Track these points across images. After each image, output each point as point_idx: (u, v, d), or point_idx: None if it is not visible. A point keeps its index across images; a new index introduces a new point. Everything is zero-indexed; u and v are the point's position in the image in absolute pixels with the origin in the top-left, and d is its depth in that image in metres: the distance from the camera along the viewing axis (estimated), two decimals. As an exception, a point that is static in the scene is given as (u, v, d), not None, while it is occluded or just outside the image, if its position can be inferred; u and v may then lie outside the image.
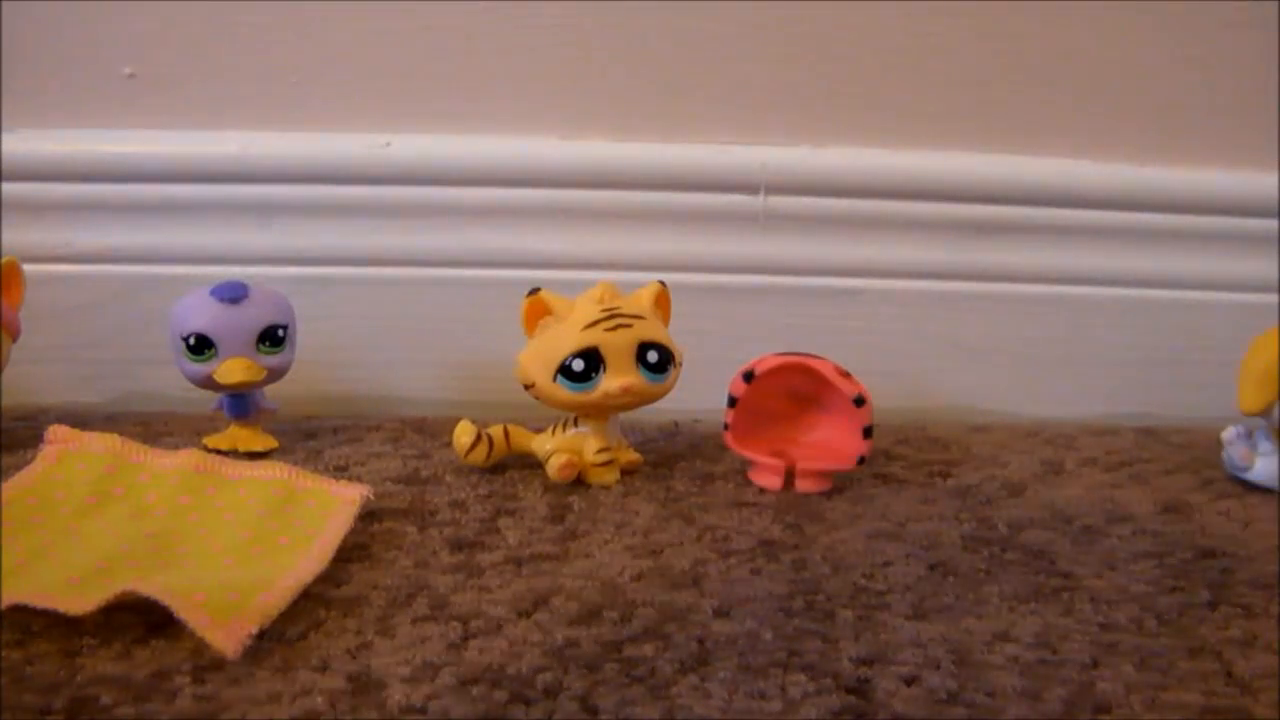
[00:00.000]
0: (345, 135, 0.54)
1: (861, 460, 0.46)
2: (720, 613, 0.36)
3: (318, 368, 0.54)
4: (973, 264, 0.58)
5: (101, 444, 0.43)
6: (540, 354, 0.45)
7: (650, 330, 0.45)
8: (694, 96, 0.55)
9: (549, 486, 0.46)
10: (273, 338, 0.47)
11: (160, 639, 0.32)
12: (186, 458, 0.43)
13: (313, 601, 0.35)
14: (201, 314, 0.46)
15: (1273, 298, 0.58)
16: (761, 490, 0.47)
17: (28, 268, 0.49)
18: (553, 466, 0.46)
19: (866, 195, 0.56)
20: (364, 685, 0.31)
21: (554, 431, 0.47)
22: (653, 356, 0.45)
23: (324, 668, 0.31)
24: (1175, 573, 0.40)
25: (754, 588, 0.38)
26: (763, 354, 0.47)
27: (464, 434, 0.47)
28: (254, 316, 0.46)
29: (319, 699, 0.30)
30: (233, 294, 0.46)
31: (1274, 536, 0.44)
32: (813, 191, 0.56)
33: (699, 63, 0.55)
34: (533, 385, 0.45)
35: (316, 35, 0.53)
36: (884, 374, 0.54)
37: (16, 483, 0.41)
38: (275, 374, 0.48)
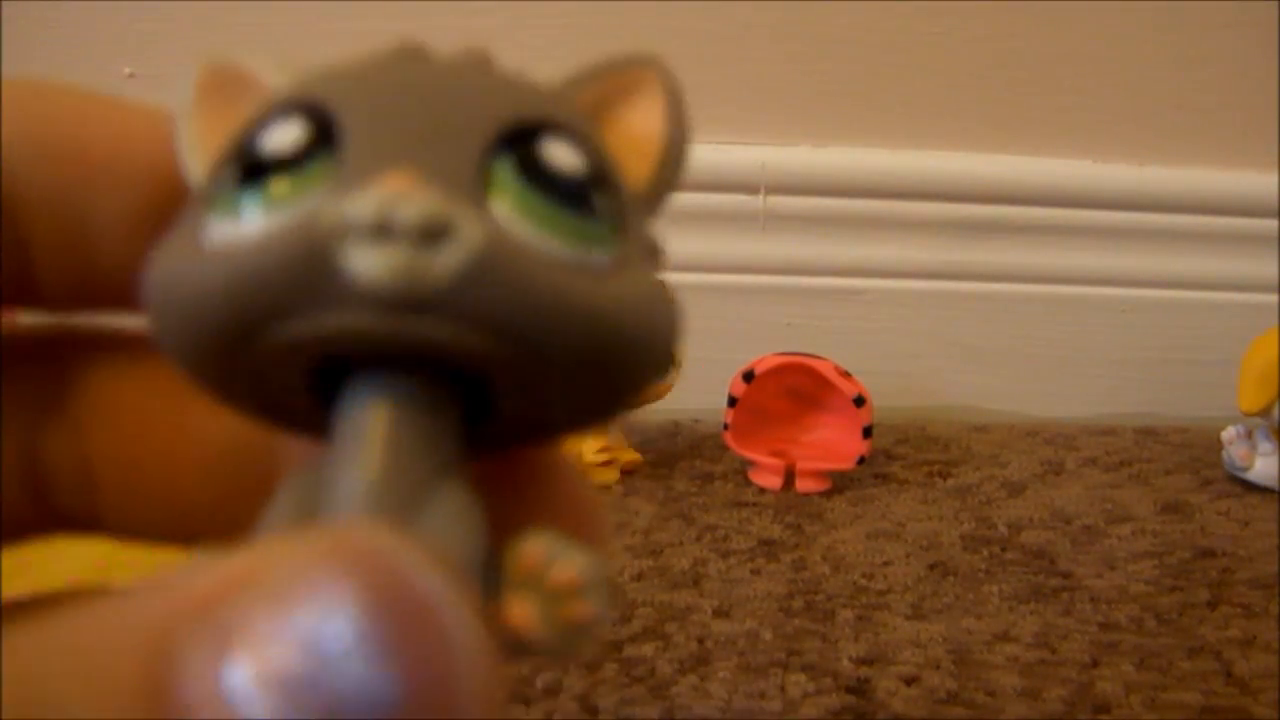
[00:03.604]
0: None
1: (861, 460, 0.46)
2: (720, 613, 0.36)
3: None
4: (973, 264, 0.58)
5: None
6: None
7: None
8: (694, 96, 0.55)
9: (549, 486, 0.46)
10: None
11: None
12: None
13: (313, 601, 0.35)
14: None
15: (1273, 298, 0.58)
16: (761, 490, 0.47)
17: (28, 268, 0.49)
18: (553, 466, 0.46)
19: (866, 195, 0.56)
20: (364, 685, 0.31)
21: (554, 431, 0.47)
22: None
23: (324, 668, 0.31)
24: (1175, 573, 0.40)
25: (754, 588, 0.38)
26: (763, 354, 0.47)
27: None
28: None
29: (319, 699, 0.30)
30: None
31: (1274, 536, 0.44)
32: (813, 191, 0.56)
33: (698, 62, 0.55)
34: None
35: (316, 35, 0.53)
36: (884, 374, 0.54)
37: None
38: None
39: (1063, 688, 0.32)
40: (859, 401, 0.46)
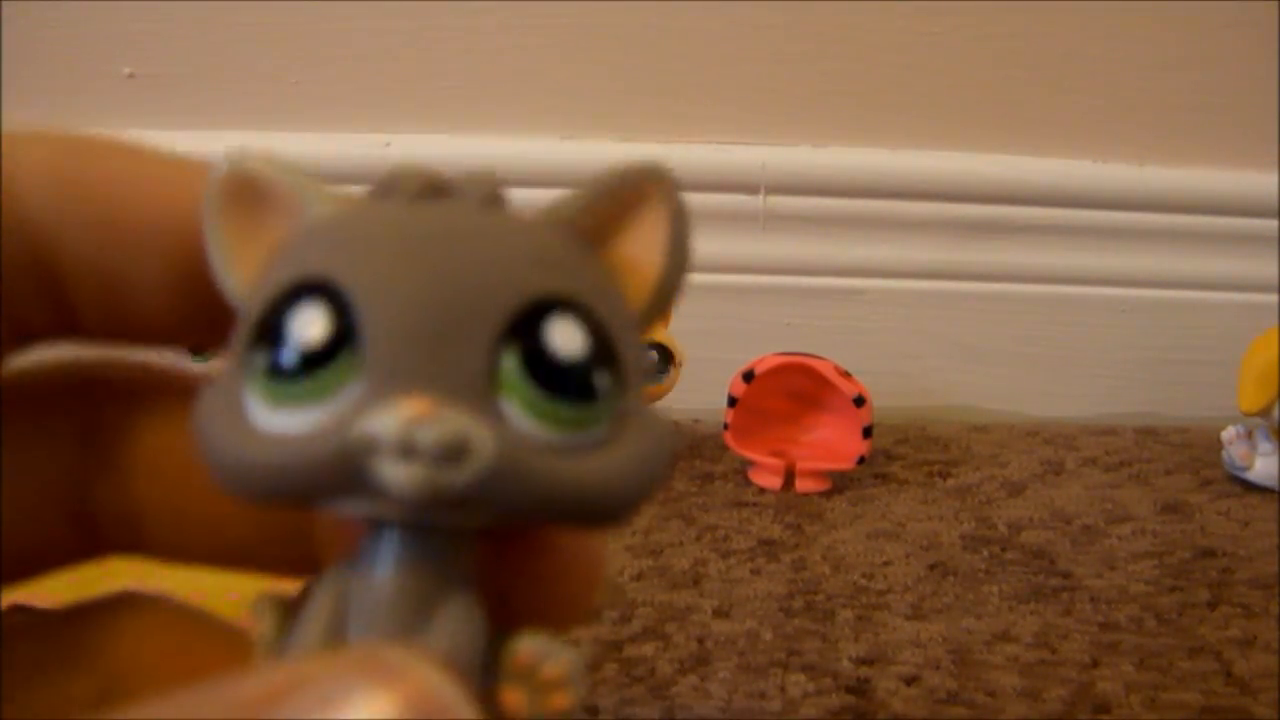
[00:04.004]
0: (345, 135, 0.54)
1: (861, 460, 0.46)
2: (720, 613, 0.36)
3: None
4: (973, 264, 0.58)
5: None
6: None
7: (650, 330, 0.45)
8: (694, 96, 0.55)
9: (549, 486, 0.46)
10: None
11: (160, 639, 0.32)
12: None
13: (313, 601, 0.35)
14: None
15: (1273, 298, 0.58)
16: (761, 490, 0.47)
17: (28, 268, 0.49)
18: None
19: (866, 195, 0.56)
20: (364, 685, 0.31)
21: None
22: (653, 356, 0.45)
23: (324, 668, 0.31)
24: (1175, 573, 0.40)
25: (754, 588, 0.38)
26: (763, 354, 0.47)
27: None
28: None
29: (319, 699, 0.30)
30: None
31: (1274, 536, 0.44)
32: (813, 191, 0.56)
33: (699, 63, 0.55)
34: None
35: (316, 35, 0.53)
36: (884, 374, 0.54)
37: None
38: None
39: (1063, 688, 0.32)
40: (859, 401, 0.46)
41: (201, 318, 0.13)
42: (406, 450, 0.10)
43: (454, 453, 0.10)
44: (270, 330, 0.11)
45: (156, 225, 0.13)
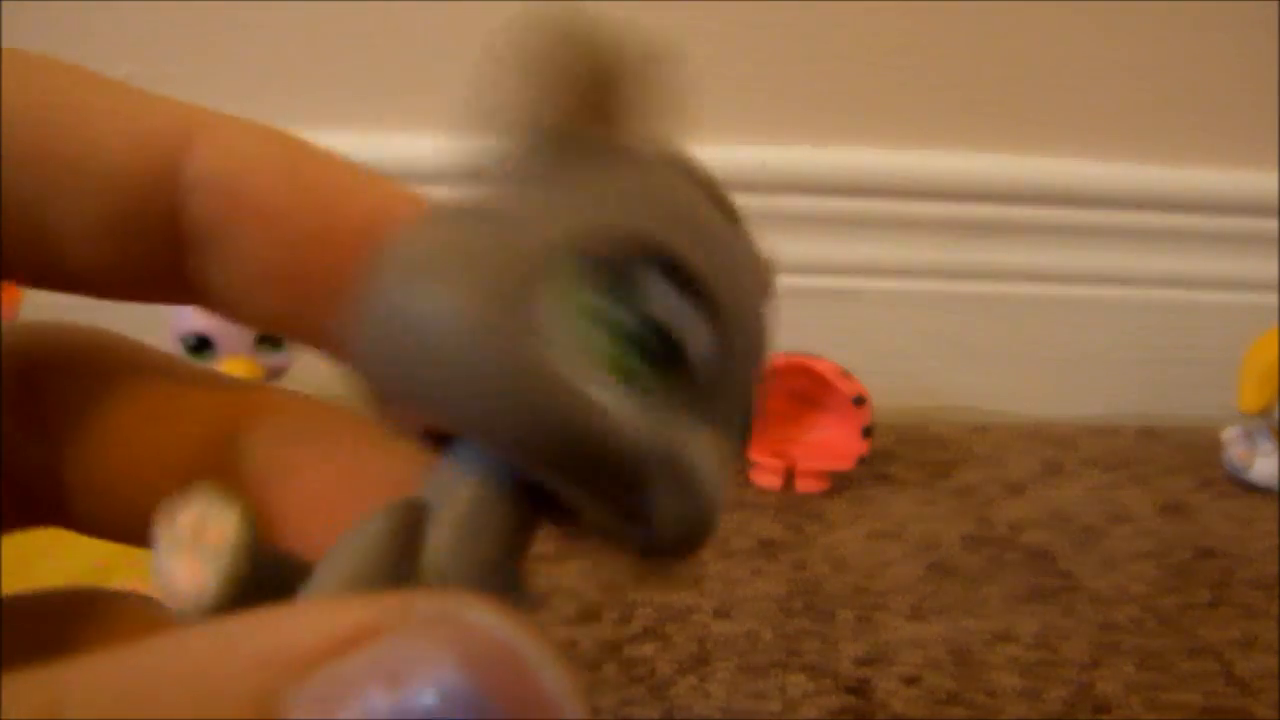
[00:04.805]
0: (345, 135, 0.54)
1: (861, 460, 0.46)
2: (720, 613, 0.36)
3: (318, 368, 0.54)
4: (973, 264, 0.58)
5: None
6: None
7: None
8: (694, 96, 0.55)
9: (549, 486, 0.46)
10: (272, 337, 0.47)
11: (160, 639, 0.32)
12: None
13: (312, 601, 0.35)
14: (201, 313, 0.46)
15: (1273, 298, 0.58)
16: (761, 490, 0.47)
17: (27, 267, 0.49)
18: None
19: (866, 195, 0.56)
20: (364, 685, 0.31)
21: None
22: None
23: (324, 668, 0.31)
24: (1175, 573, 0.40)
25: (754, 588, 0.38)
26: (763, 354, 0.47)
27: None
28: (254, 316, 0.46)
29: (319, 699, 0.30)
30: (233, 294, 0.46)
31: (1274, 536, 0.44)
32: (813, 191, 0.56)
33: (698, 62, 0.55)
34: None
35: (316, 35, 0.53)
36: (884, 374, 0.54)
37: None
38: (274, 374, 0.48)
39: (1063, 688, 0.32)
40: (859, 401, 0.46)
41: (136, 270, 0.12)
42: (689, 486, 0.10)
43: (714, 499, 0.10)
44: (620, 282, 0.10)
45: (95, 160, 0.11)
